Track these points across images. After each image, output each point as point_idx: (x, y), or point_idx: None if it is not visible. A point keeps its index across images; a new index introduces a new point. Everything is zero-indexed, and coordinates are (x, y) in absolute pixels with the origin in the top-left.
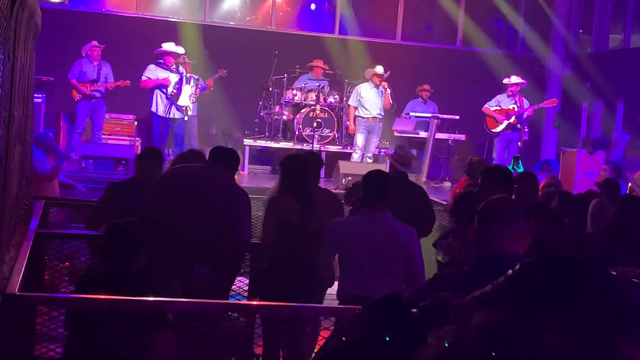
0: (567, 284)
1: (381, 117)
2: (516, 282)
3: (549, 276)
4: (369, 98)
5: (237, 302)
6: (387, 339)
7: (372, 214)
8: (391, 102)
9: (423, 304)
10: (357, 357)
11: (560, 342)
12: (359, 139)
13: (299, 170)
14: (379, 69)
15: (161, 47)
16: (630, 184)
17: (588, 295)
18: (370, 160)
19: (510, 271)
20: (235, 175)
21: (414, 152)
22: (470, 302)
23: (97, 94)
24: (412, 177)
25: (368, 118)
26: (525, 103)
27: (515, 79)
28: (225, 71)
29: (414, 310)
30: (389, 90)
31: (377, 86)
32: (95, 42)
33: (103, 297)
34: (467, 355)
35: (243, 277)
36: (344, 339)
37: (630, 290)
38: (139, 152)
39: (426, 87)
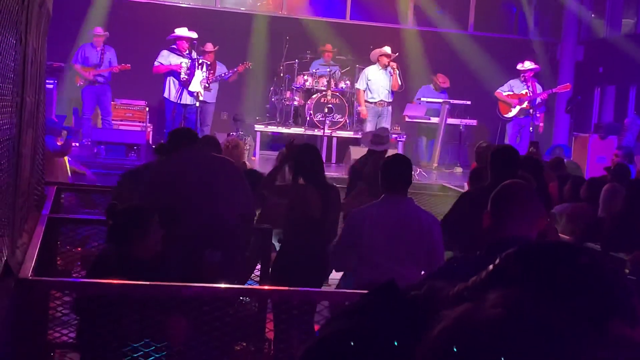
0: (543, 272)
1: (389, 100)
2: (496, 276)
3: (524, 267)
4: (377, 80)
5: (248, 286)
6: (377, 327)
7: (394, 200)
8: (400, 82)
9: (416, 293)
10: (348, 344)
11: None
12: (368, 128)
13: (316, 161)
14: (387, 49)
15: (174, 32)
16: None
17: (568, 279)
18: None
19: (490, 266)
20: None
21: (424, 140)
22: (455, 294)
23: (101, 79)
24: (423, 163)
25: (375, 103)
26: (538, 88)
27: (529, 64)
28: (250, 64)
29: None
30: (397, 71)
31: (385, 67)
32: (99, 30)
33: (116, 282)
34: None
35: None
36: (335, 324)
37: (615, 269)
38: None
39: (441, 77)
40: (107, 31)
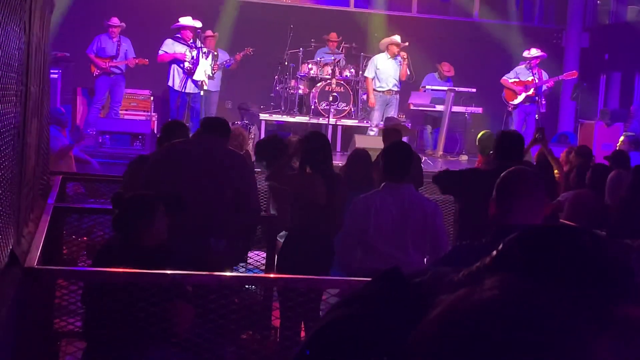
0: (544, 255)
1: (397, 89)
2: (499, 261)
3: (525, 250)
4: (385, 69)
5: (254, 274)
6: (380, 313)
7: (395, 186)
8: (409, 72)
9: (420, 279)
10: (350, 330)
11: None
12: (375, 116)
13: (323, 149)
14: (397, 38)
15: (178, 21)
16: None
17: (569, 261)
18: None
19: (494, 252)
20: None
21: (429, 128)
22: (459, 279)
23: (117, 70)
24: (428, 151)
25: (384, 92)
26: (544, 75)
27: (535, 51)
28: (252, 50)
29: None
30: (407, 61)
31: (394, 56)
32: (116, 20)
33: (122, 270)
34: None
35: (261, 251)
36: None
37: (622, 250)
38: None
39: (446, 65)
40: (122, 22)
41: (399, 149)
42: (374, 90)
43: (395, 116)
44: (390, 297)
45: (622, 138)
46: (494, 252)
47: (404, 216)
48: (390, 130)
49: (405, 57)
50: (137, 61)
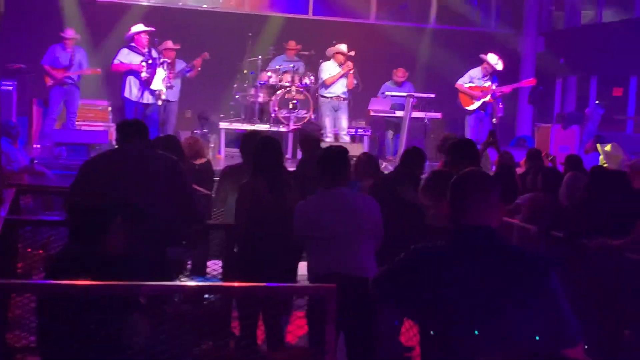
0: None
1: (345, 96)
2: None
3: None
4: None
5: (211, 284)
6: None
7: (331, 191)
8: (355, 82)
9: None
10: None
11: None
12: (326, 123)
13: (269, 153)
14: (343, 47)
15: (130, 30)
16: (601, 157)
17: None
18: (347, 139)
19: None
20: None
21: (390, 134)
22: None
23: (70, 81)
24: (389, 157)
25: (332, 98)
26: (499, 82)
27: (493, 58)
28: (207, 54)
29: None
30: (352, 70)
31: (340, 64)
32: (70, 32)
33: (76, 282)
34: None
35: (218, 260)
36: None
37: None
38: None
39: (401, 71)
40: (77, 33)
41: (330, 155)
42: (322, 96)
43: (348, 122)
44: None
45: None
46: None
47: (344, 217)
48: (306, 137)
49: (351, 67)
50: (89, 71)
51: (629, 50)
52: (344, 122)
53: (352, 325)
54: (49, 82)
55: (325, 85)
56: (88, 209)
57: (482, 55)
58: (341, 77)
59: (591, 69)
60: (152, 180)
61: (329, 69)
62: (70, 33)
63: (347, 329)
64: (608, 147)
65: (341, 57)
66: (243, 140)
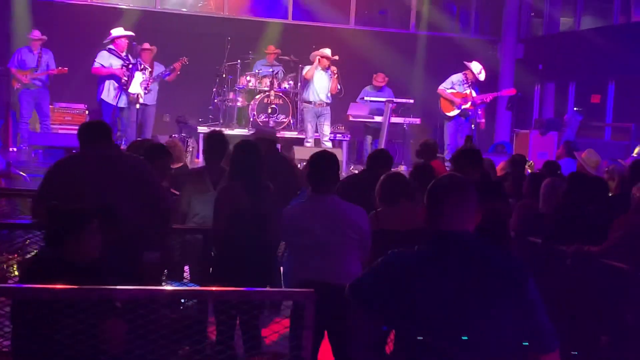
0: None
1: (329, 101)
2: None
3: None
4: (316, 81)
5: (187, 288)
6: None
7: (320, 197)
8: (338, 87)
9: None
10: None
11: None
12: (309, 129)
13: (246, 158)
14: (327, 51)
15: (110, 34)
16: (579, 163)
17: None
18: (329, 145)
19: None
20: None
21: (369, 139)
22: None
23: (38, 83)
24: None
25: (315, 104)
26: (478, 91)
27: (476, 67)
28: (186, 59)
29: None
30: (336, 75)
31: (325, 69)
32: (37, 34)
33: (50, 286)
34: None
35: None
36: None
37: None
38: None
39: (380, 76)
40: (44, 34)
41: (320, 160)
42: (306, 102)
43: (330, 127)
44: None
45: (637, 149)
46: None
47: (331, 225)
48: (262, 138)
49: (335, 71)
50: (57, 70)
51: (607, 57)
52: (326, 129)
53: (337, 333)
54: (16, 85)
55: (308, 89)
56: (62, 212)
57: (466, 63)
58: (317, 69)
59: (569, 75)
60: (120, 181)
61: (310, 70)
62: (36, 34)
63: (332, 337)
64: (584, 154)
65: (325, 62)
66: (208, 143)
